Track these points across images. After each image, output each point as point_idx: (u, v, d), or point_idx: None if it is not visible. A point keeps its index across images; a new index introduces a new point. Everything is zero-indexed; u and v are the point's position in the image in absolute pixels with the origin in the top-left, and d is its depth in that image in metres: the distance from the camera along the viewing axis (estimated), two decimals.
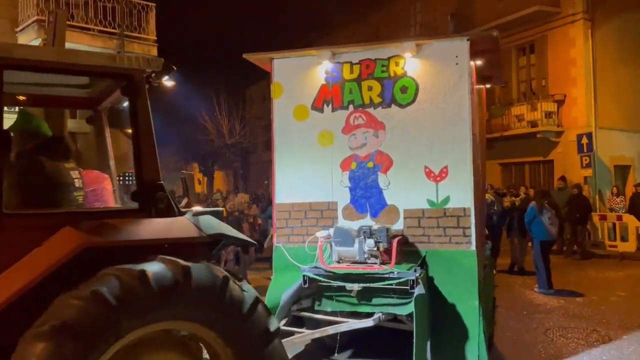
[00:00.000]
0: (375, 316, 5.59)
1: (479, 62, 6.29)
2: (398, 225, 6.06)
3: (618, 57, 20.20)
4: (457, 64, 5.81)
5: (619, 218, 16.20)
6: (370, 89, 6.22)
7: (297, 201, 6.54)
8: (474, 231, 5.73)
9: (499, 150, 22.03)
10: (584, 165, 18.72)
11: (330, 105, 6.41)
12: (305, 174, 6.49)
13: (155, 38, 16.25)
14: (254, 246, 4.44)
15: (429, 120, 5.95)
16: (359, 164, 6.26)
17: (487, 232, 10.00)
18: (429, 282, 5.81)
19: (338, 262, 5.82)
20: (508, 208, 13.37)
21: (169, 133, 25.98)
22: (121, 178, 6.64)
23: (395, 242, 5.50)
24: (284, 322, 5.81)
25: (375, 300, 5.75)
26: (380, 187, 6.16)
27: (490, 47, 6.13)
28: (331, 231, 5.88)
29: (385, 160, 6.16)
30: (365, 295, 5.73)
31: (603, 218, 17.17)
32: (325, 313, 5.99)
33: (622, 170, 20.38)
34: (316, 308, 6.03)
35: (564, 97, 20.10)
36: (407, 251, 5.95)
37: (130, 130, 3.81)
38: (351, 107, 6.30)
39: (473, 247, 5.74)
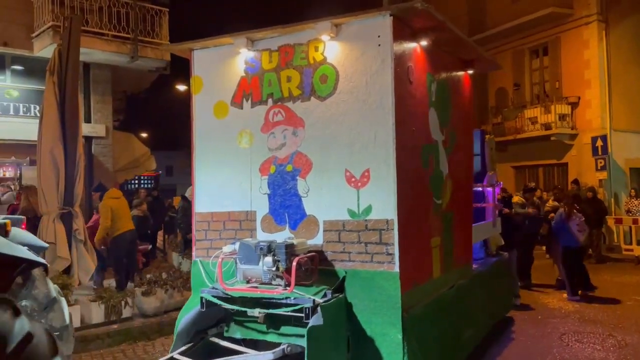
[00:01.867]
0: (279, 348, 4.26)
1: (424, 43, 4.86)
2: (317, 240, 4.70)
3: (632, 58, 18.22)
4: (379, 45, 4.42)
5: (635, 222, 14.70)
6: (289, 79, 4.89)
7: (216, 210, 5.29)
8: (398, 249, 4.33)
9: (512, 153, 20.27)
10: (598, 167, 17.01)
11: (249, 100, 5.12)
12: (224, 179, 5.23)
13: (169, 42, 15.39)
14: (44, 266, 3.13)
15: (349, 114, 4.56)
16: (277, 167, 4.94)
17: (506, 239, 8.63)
18: (348, 309, 4.46)
19: (247, 282, 4.54)
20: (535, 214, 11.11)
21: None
22: None
23: (295, 261, 4.15)
24: (183, 349, 4.58)
25: (283, 329, 4.43)
26: (300, 194, 4.82)
27: (433, 24, 4.70)
28: (237, 246, 4.60)
29: (304, 163, 4.81)
30: (273, 323, 4.41)
31: (619, 221, 15.71)
32: (236, 340, 4.72)
33: (638, 173, 18.36)
34: (225, 334, 4.77)
35: (578, 99, 18.23)
36: (326, 271, 4.57)
37: None
38: (270, 101, 4.99)
39: (396, 269, 4.32)
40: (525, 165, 20.40)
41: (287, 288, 4.18)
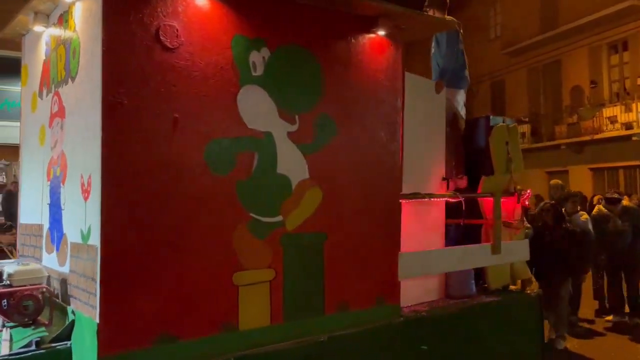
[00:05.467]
0: None
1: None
2: (66, 267, 2.91)
3: None
4: None
5: None
6: (60, 58, 3.14)
7: (29, 222, 3.71)
8: (99, 288, 2.38)
9: (589, 154, 16.28)
10: None
11: (45, 89, 3.48)
12: (35, 185, 3.63)
13: None
14: None
15: (85, 98, 2.71)
16: (54, 170, 3.22)
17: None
18: None
19: None
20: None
21: None
22: None
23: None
24: None
25: None
26: (61, 206, 3.07)
27: None
28: None
29: (64, 166, 3.03)
30: None
31: None
32: None
33: None
34: None
35: None
36: (61, 308, 2.81)
37: None
38: (53, 87, 3.30)
39: (97, 319, 2.40)
40: (604, 167, 16.25)
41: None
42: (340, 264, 3.37)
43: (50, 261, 3.17)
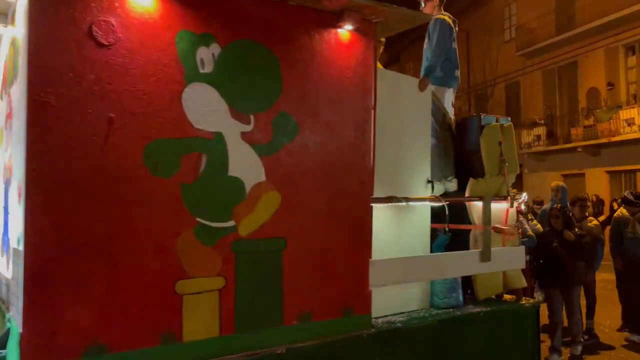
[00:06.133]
0: None
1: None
2: (9, 274, 2.75)
3: None
4: None
5: None
6: (10, 57, 2.99)
7: None
8: (22, 295, 2.16)
9: (606, 157, 15.59)
10: None
11: (3, 90, 3.33)
12: None
13: None
14: None
15: (18, 100, 2.56)
16: (6, 173, 3.06)
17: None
18: None
19: None
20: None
21: None
22: None
23: None
24: None
25: None
26: (8, 209, 2.91)
27: None
28: None
29: (10, 168, 2.87)
30: None
31: None
32: None
33: None
34: None
35: None
36: (3, 315, 2.65)
37: None
38: (7, 88, 3.14)
39: (20, 328, 2.19)
40: (621, 170, 15.52)
41: None
42: (301, 271, 3.12)
43: (1, 266, 3.02)
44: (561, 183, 7.70)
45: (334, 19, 3.24)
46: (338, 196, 3.29)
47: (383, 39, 5.22)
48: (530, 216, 6.90)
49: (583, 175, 16.50)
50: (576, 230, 6.18)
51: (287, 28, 3.08)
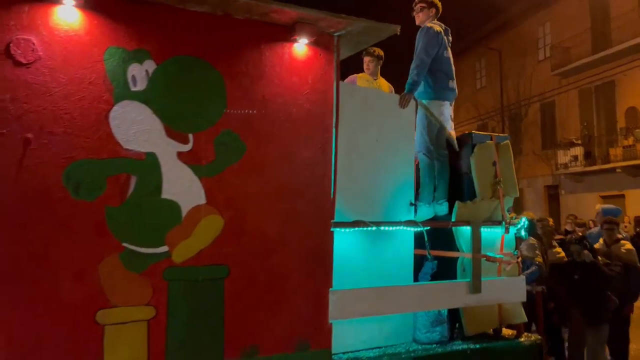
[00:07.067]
0: None
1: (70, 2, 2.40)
2: None
3: None
4: None
5: None
6: None
7: None
8: None
9: None
10: None
11: None
12: None
13: None
14: None
15: None
16: None
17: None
18: None
19: None
20: None
21: None
22: None
23: None
24: None
25: None
26: None
27: None
28: None
29: None
30: None
31: None
32: None
33: None
34: None
35: None
36: None
37: None
38: None
39: None
40: None
41: None
42: (247, 301, 2.83)
43: None
44: (608, 205, 6.85)
45: (287, 32, 2.99)
46: (292, 220, 2.99)
47: (382, 53, 4.90)
48: (555, 243, 6.16)
49: (623, 196, 15.28)
50: (599, 259, 5.34)
51: (233, 42, 2.86)
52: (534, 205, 18.58)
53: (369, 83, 4.84)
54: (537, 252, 5.28)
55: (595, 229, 6.96)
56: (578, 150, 16.94)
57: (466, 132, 4.43)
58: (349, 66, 4.76)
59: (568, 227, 7.47)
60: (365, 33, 3.22)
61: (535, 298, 5.01)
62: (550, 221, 6.28)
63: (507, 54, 20.87)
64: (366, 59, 4.81)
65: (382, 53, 4.89)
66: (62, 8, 2.41)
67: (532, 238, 5.34)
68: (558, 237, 7.00)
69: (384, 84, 4.88)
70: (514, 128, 19.84)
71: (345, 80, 4.88)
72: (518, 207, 19.40)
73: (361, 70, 4.84)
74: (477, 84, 23.27)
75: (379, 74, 4.90)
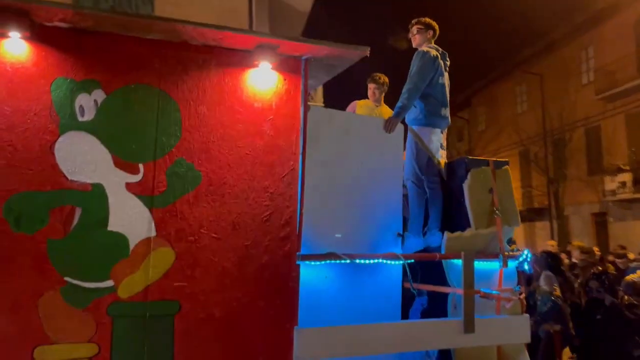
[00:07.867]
0: None
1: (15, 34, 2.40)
2: None
3: None
4: None
5: None
6: None
7: None
8: None
9: None
10: None
11: None
12: None
13: None
14: None
15: None
16: None
17: None
18: None
19: None
20: None
21: None
22: None
23: None
24: None
25: None
26: None
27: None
28: None
29: None
30: None
31: None
32: None
33: None
34: None
35: None
36: None
37: None
38: None
39: None
40: None
41: None
42: (200, 339, 2.62)
43: None
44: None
45: (248, 57, 2.87)
46: (252, 254, 2.79)
47: (387, 80, 4.70)
48: (578, 281, 5.56)
49: None
50: (626, 298, 4.74)
51: (188, 69, 2.77)
52: (580, 233, 17.31)
53: (369, 110, 4.65)
54: (555, 285, 4.74)
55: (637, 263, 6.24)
56: (627, 177, 15.70)
57: (504, 158, 4.02)
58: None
59: (574, 258, 6.67)
60: (335, 56, 3.04)
61: (553, 339, 4.47)
62: (596, 250, 5.64)
63: (548, 78, 19.96)
64: (370, 86, 4.65)
65: (387, 80, 4.70)
66: (9, 41, 2.41)
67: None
68: (598, 269, 6.29)
69: (386, 111, 4.66)
70: (558, 153, 18.77)
71: (347, 107, 4.73)
72: (563, 235, 18.12)
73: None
74: (517, 109, 22.35)
75: (382, 101, 4.71)
